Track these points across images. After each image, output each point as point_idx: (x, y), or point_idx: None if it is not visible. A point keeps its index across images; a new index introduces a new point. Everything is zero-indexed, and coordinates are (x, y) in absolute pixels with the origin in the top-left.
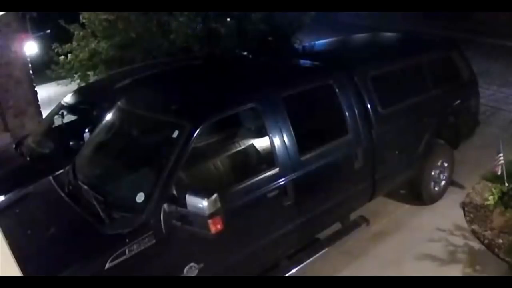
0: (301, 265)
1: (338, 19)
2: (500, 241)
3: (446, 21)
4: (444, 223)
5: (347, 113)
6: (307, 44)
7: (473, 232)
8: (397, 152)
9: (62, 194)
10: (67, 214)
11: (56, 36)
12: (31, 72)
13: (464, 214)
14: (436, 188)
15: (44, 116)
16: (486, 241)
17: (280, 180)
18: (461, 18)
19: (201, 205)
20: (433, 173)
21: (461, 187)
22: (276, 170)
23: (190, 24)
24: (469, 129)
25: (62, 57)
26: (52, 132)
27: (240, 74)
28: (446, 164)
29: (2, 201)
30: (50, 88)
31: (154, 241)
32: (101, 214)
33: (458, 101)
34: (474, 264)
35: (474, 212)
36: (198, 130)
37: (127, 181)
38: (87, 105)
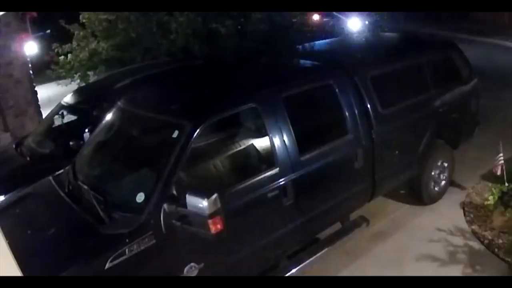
0: (301, 265)
1: None
2: (500, 241)
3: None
4: (444, 223)
5: (347, 113)
6: (307, 44)
7: (473, 232)
8: (397, 152)
9: (62, 194)
10: (67, 214)
11: (56, 36)
12: (31, 72)
13: (464, 214)
14: (436, 188)
15: (44, 116)
16: (486, 241)
17: (280, 180)
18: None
19: (201, 205)
20: (433, 173)
21: (460, 187)
22: (276, 170)
23: (190, 24)
24: (469, 129)
25: (62, 57)
26: (52, 132)
27: (240, 74)
28: (446, 164)
29: (2, 201)
30: (50, 88)
31: (154, 241)
32: (101, 214)
33: (458, 101)
34: (474, 264)
35: (474, 212)
36: (198, 130)
37: (127, 181)
38: (87, 105)
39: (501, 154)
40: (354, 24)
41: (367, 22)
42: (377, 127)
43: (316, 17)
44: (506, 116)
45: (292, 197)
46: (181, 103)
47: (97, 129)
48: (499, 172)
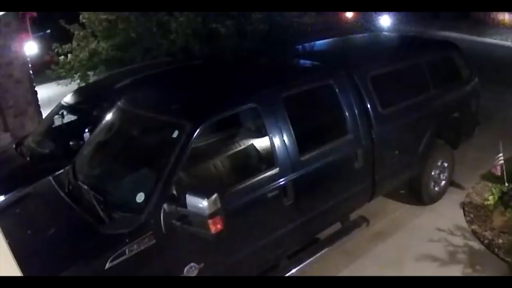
0: (301, 265)
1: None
2: (500, 241)
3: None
4: (444, 223)
5: (347, 113)
6: (307, 44)
7: (473, 232)
8: (397, 152)
9: (62, 194)
10: (67, 214)
11: (56, 36)
12: (31, 72)
13: (464, 214)
14: (436, 188)
15: (44, 116)
16: (486, 241)
17: (280, 180)
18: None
19: (201, 205)
20: (433, 173)
21: (460, 187)
22: (276, 170)
23: (190, 24)
24: (469, 129)
25: (62, 57)
26: (52, 132)
27: (240, 74)
28: (446, 164)
29: (2, 201)
30: (50, 88)
31: (154, 241)
32: (101, 214)
33: (458, 101)
34: (474, 264)
35: (474, 212)
36: (198, 130)
37: (127, 181)
38: (87, 105)
39: (501, 154)
40: (385, 21)
41: (390, 20)
42: (377, 127)
43: (349, 14)
44: (506, 116)
45: (292, 197)
46: (181, 103)
47: (97, 129)
48: (498, 172)
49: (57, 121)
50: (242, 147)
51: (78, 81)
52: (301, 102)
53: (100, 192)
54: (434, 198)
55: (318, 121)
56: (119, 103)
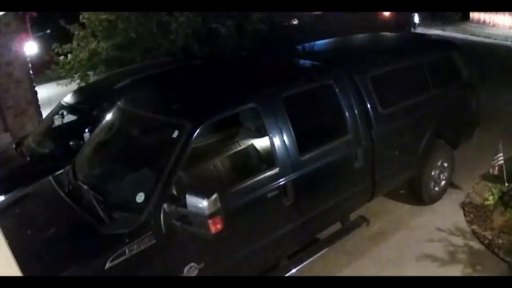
0: (301, 265)
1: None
2: (500, 241)
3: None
4: (444, 223)
5: (347, 113)
6: (307, 44)
7: (473, 232)
8: (397, 152)
9: (62, 194)
10: (67, 214)
11: (56, 36)
12: (31, 72)
13: (464, 214)
14: (436, 188)
15: (44, 116)
16: (486, 241)
17: (280, 180)
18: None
19: (201, 205)
20: (433, 173)
21: (460, 187)
22: (276, 170)
23: (190, 24)
24: (469, 129)
25: (62, 57)
26: (52, 132)
27: (240, 74)
28: (446, 164)
29: (2, 201)
30: (50, 88)
31: (154, 241)
32: (101, 214)
33: (458, 101)
34: (474, 264)
35: (474, 212)
36: (198, 130)
37: (127, 181)
38: (87, 105)
39: (501, 154)
40: (416, 19)
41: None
42: (377, 127)
43: (386, 13)
44: (505, 116)
45: (292, 197)
46: (181, 103)
47: (97, 129)
48: (496, 172)
49: (57, 121)
50: (242, 147)
51: (78, 81)
52: (301, 102)
53: (100, 192)
54: (434, 198)
55: (318, 121)
56: (119, 103)
